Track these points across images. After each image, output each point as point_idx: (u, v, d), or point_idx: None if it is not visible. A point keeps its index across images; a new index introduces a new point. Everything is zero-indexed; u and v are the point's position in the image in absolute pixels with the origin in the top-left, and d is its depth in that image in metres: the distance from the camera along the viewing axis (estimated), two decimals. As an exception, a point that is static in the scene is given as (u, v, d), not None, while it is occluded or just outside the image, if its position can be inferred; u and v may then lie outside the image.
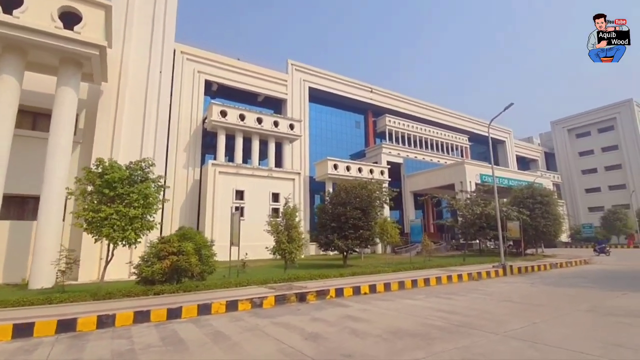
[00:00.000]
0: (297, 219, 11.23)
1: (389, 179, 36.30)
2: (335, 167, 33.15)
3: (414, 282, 10.00)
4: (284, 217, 11.01)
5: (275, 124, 31.53)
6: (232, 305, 7.14)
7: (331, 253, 16.20)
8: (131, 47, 16.92)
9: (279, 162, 33.43)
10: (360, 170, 34.59)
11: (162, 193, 9.05)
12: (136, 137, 16.37)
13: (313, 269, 13.70)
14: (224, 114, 29.05)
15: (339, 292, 8.54)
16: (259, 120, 30.66)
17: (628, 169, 54.25)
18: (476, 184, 23.99)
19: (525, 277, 12.24)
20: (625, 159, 54.79)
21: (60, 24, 12.79)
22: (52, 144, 12.69)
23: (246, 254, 14.30)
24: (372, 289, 9.10)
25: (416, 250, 30.07)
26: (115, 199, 8.15)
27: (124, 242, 8.13)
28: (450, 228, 26.84)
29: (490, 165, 39.49)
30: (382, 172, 36.19)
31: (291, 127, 32.32)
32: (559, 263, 15.70)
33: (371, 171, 35.42)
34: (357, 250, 16.33)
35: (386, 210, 35.01)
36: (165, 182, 9.86)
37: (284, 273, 10.74)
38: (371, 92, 42.72)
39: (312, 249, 29.66)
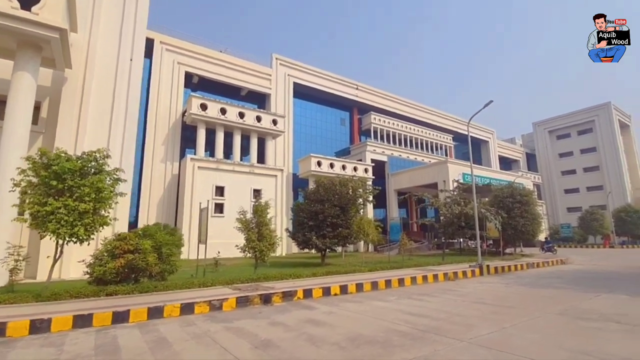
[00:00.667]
0: (269, 216, 10.72)
1: (373, 177, 36.12)
2: (319, 164, 32.70)
3: (388, 283, 9.66)
4: (255, 213, 10.49)
5: (258, 119, 30.83)
6: (187, 308, 6.60)
7: (314, 251, 15.76)
8: (99, 32, 15.96)
9: (261, 158, 32.74)
10: (344, 167, 34.26)
11: (118, 186, 8.34)
12: (103, 128, 15.49)
13: (288, 267, 13.25)
14: (204, 107, 28.17)
15: (308, 293, 8.10)
16: (241, 115, 29.90)
17: (605, 171, 55.79)
18: (457, 182, 23.90)
19: (501, 277, 12.09)
20: (602, 160, 56.32)
21: (17, 4, 11.86)
22: (7, 132, 11.81)
23: (218, 252, 13.73)
24: (344, 289, 8.70)
25: (397, 249, 30.06)
26: (64, 191, 7.47)
27: (73, 239, 7.46)
28: (433, 227, 26.79)
29: (473, 165, 39.81)
30: (366, 170, 35.96)
31: (274, 122, 31.67)
32: (536, 263, 15.72)
33: (355, 169, 35.14)
34: (336, 248, 15.92)
35: (369, 209, 34.91)
36: (125, 174, 9.17)
37: (254, 272, 10.23)
38: (357, 89, 42.41)
39: (293, 247, 29.18)
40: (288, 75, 36.91)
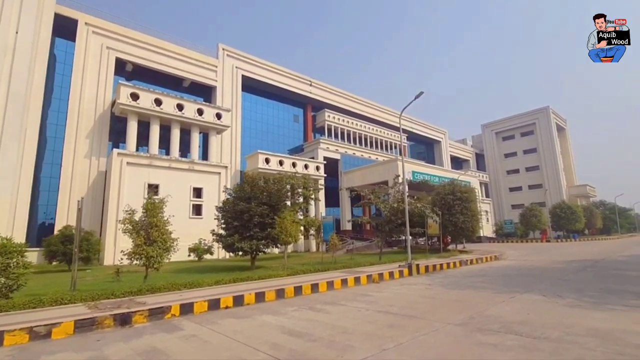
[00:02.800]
0: (165, 216, 9.12)
1: (325, 175, 35.28)
2: (267, 161, 31.15)
3: (298, 290, 8.51)
4: (145, 212, 8.87)
5: (200, 112, 28.64)
6: (-4, 339, 4.94)
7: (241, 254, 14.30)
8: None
9: (205, 155, 30.60)
10: (294, 165, 32.99)
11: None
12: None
13: (202, 274, 11.68)
14: (135, 96, 25.54)
15: (188, 308, 6.69)
16: (180, 107, 27.57)
17: (544, 170, 59.72)
18: (395, 180, 23.58)
19: (429, 277, 11.47)
20: (542, 161, 60.23)
21: None
22: None
23: (121, 259, 11.84)
24: (239, 300, 7.39)
25: (347, 248, 29.39)
26: None
27: None
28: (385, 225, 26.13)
29: (420, 163, 40.30)
30: (317, 168, 35.00)
31: (218, 116, 29.66)
32: (470, 260, 15.51)
33: (306, 166, 34.03)
34: (266, 250, 14.60)
35: (322, 207, 33.98)
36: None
37: (143, 282, 8.60)
38: (310, 85, 41.37)
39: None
40: (236, 67, 34.93)
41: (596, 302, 6.65)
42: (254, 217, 13.59)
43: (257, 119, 38.25)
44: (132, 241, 8.58)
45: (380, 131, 47.48)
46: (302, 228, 15.07)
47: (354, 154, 41.94)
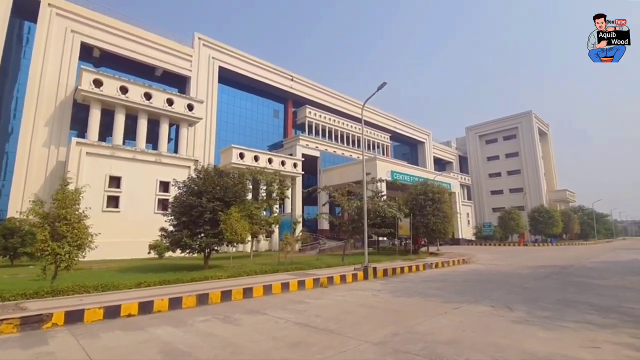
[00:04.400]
0: (77, 208, 8.02)
1: (302, 172, 34.34)
2: (241, 156, 30.02)
3: (227, 295, 7.56)
4: (54, 202, 7.77)
5: (169, 102, 27.29)
6: None
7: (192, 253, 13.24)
8: None
9: (176, 148, 29.29)
10: (270, 161, 31.92)
11: None
12: None
13: (139, 273, 10.60)
14: (98, 83, 24.06)
15: (76, 316, 5.66)
16: (148, 96, 26.19)
17: (525, 174, 60.14)
18: (372, 178, 22.86)
19: (384, 281, 10.67)
20: (523, 164, 60.64)
21: None
22: None
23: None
24: (146, 308, 6.39)
25: (319, 248, 28.53)
26: None
27: None
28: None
29: (400, 163, 39.65)
30: (295, 165, 34.00)
31: (190, 107, 28.36)
32: (436, 263, 14.82)
33: (283, 163, 33.00)
34: (218, 249, 13.60)
35: (298, 205, 32.98)
36: None
37: (51, 283, 7.50)
38: (292, 80, 40.33)
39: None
40: (213, 58, 33.63)
41: (546, 317, 5.93)
42: (204, 213, 12.56)
43: (235, 112, 37.03)
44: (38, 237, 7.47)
45: (365, 130, 46.71)
46: (270, 226, 14.07)
47: (334, 151, 41.13)
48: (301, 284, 9.08)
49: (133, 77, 28.29)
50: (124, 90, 25.16)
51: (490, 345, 4.39)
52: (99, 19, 27.60)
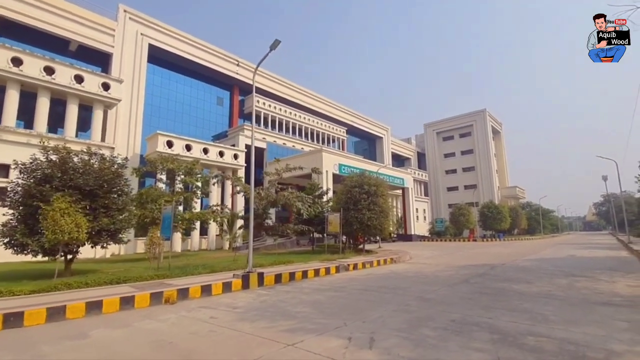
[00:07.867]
0: None
1: (245, 165, 31.65)
2: (169, 144, 26.79)
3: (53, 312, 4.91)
4: None
5: (79, 78, 23.45)
6: None
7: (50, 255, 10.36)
8: None
9: (88, 132, 25.41)
10: (205, 151, 28.94)
11: None
12: None
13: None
14: (-21, 51, 19.89)
15: None
16: (50, 70, 22.25)
17: (479, 171, 61.20)
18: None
19: (267, 291, 8.49)
20: (477, 162, 61.68)
21: None
22: None
23: None
24: None
25: (264, 245, 25.93)
26: None
27: None
28: (311, 221, 22.51)
29: (348, 155, 37.85)
30: (235, 156, 31.25)
31: (105, 86, 24.63)
32: (354, 264, 12.90)
33: (221, 154, 30.15)
34: (80, 252, 10.76)
35: (239, 199, 30.22)
36: None
37: None
38: (237, 65, 37.26)
39: (139, 246, 22.19)
40: (142, 34, 29.84)
41: (412, 359, 3.93)
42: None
43: (170, 97, 33.42)
44: None
45: (318, 122, 44.65)
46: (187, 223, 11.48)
47: (283, 143, 38.69)
48: (126, 301, 6.53)
49: (41, 51, 24.13)
50: (17, 61, 21.14)
51: None
52: (-8, -22, 23.09)
